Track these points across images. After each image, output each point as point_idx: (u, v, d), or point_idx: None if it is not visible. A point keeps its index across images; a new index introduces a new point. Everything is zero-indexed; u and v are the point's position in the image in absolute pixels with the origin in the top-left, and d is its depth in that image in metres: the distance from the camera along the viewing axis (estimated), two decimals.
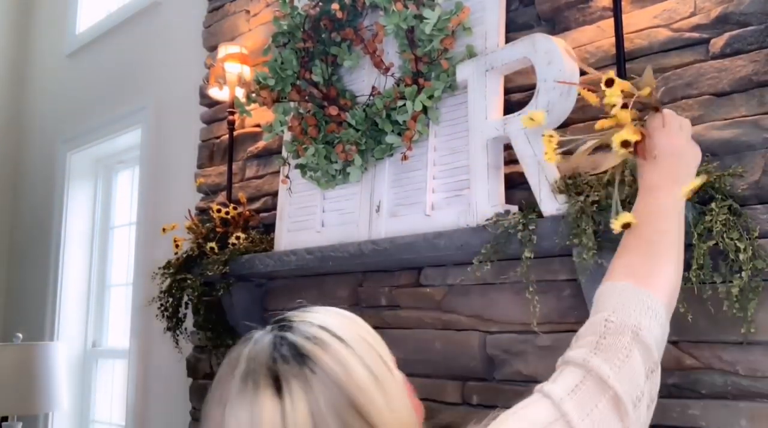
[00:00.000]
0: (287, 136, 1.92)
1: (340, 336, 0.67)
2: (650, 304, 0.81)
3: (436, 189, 1.59)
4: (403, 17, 1.59)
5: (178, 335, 2.10)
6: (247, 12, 2.40)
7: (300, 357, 0.64)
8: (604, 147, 0.99)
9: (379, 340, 0.71)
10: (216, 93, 2.25)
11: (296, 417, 0.61)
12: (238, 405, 0.63)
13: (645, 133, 0.94)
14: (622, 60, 1.32)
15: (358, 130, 1.71)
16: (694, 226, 1.09)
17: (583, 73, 1.42)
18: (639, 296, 0.81)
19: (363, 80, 1.81)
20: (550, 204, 1.30)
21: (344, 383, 0.63)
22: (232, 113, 2.16)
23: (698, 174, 0.98)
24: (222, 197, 2.28)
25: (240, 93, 2.10)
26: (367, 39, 1.76)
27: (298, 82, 1.84)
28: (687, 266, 1.13)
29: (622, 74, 1.31)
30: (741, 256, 1.11)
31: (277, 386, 0.62)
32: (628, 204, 1.13)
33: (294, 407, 0.61)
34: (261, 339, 0.68)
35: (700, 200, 1.12)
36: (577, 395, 0.73)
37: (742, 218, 1.16)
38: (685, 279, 1.12)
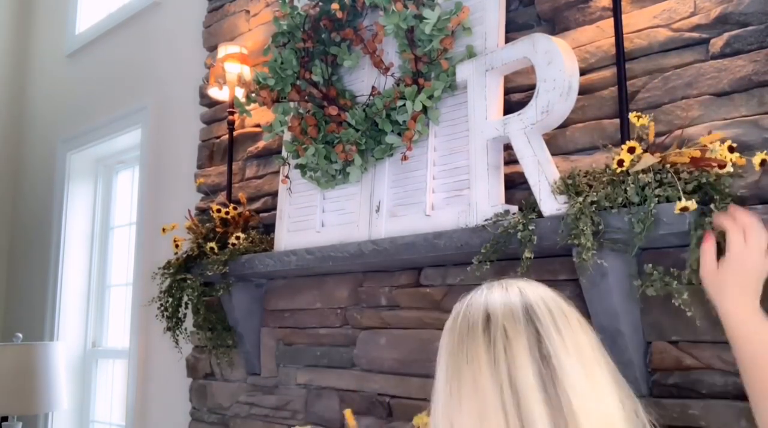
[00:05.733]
0: (287, 136, 1.92)
1: (566, 313, 0.80)
2: None
3: (436, 189, 1.59)
4: (403, 17, 1.59)
5: (177, 335, 2.10)
6: (247, 12, 2.40)
7: (556, 326, 0.76)
8: None
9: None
10: (216, 93, 2.25)
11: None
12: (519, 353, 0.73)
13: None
14: (622, 60, 1.31)
15: (358, 130, 1.71)
16: (695, 228, 1.09)
17: (583, 72, 1.42)
18: None
19: (363, 80, 1.81)
20: (550, 204, 1.30)
21: (578, 360, 0.74)
22: (232, 113, 2.16)
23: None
24: (222, 197, 2.28)
25: (240, 93, 2.10)
26: (366, 39, 1.75)
27: (298, 82, 1.84)
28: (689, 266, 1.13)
29: (622, 74, 1.31)
30: None
31: (538, 341, 0.74)
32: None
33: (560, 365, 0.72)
34: (507, 300, 0.80)
35: (700, 200, 1.12)
36: None
37: None
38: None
